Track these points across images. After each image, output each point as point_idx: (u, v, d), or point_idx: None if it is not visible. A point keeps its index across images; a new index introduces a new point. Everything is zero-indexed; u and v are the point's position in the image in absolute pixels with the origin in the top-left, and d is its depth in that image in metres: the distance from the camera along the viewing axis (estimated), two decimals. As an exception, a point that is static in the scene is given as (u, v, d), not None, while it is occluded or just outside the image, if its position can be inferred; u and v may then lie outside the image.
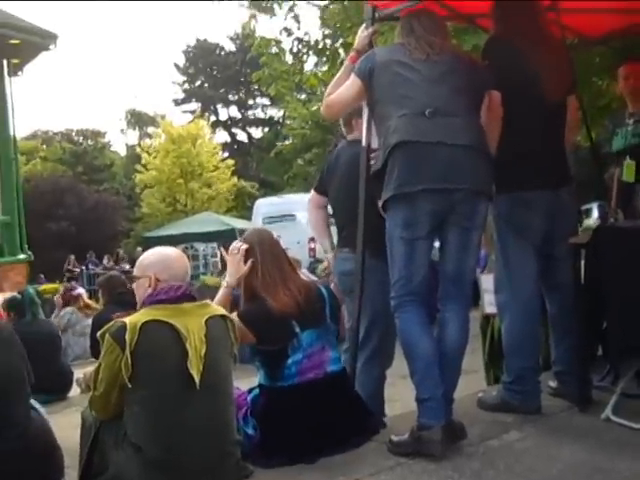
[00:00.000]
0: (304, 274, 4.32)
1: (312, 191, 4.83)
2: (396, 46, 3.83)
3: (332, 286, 4.18)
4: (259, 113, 49.65)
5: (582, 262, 4.01)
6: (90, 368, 3.23)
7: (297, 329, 3.56)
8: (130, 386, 2.98)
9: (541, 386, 4.00)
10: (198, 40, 48.58)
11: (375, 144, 4.15)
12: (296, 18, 10.05)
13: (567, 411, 3.92)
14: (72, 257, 25.12)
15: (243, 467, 3.28)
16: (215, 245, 22.28)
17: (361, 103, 4.10)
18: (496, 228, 4.03)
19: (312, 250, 15.47)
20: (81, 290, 12.39)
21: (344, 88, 3.87)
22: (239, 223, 23.34)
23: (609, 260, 3.69)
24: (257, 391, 3.67)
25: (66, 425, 3.90)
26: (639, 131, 4.83)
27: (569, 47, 5.62)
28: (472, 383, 4.68)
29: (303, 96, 18.00)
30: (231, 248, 3.83)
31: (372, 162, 3.94)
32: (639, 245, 3.57)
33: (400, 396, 5.51)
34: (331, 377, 3.63)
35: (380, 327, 4.24)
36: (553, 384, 4.22)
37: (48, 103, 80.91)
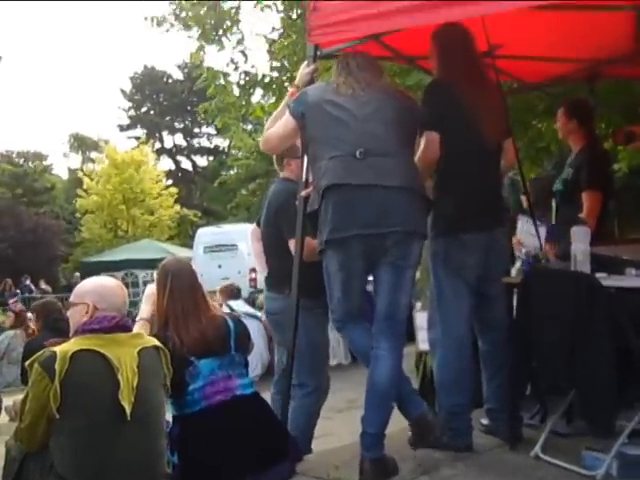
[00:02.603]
0: (223, 308, 4.35)
1: (254, 223, 4.93)
2: (327, 84, 3.92)
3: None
4: (204, 142, 49.60)
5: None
6: (20, 396, 3.16)
7: (192, 358, 3.58)
8: (58, 417, 2.93)
9: (473, 423, 4.04)
10: (145, 67, 48.39)
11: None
12: (243, 52, 10.12)
13: (498, 448, 3.96)
14: (9, 280, 24.60)
15: (172, 500, 3.24)
16: (155, 273, 22.03)
17: (296, 142, 4.21)
18: (432, 266, 4.08)
19: (253, 280, 15.44)
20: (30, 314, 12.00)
21: (281, 124, 3.94)
22: (180, 251, 23.12)
23: (538, 300, 3.76)
24: (171, 422, 3.66)
25: (-7, 454, 3.80)
26: (564, 176, 4.95)
27: (508, 90, 5.78)
28: (405, 419, 4.69)
29: (249, 126, 18.02)
30: (148, 288, 3.96)
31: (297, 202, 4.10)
32: (566, 286, 3.65)
33: (336, 430, 5.53)
34: (241, 399, 3.65)
35: (319, 364, 4.32)
36: (484, 421, 4.26)
37: (-11, 124, 79.51)
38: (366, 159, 3.55)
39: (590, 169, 4.75)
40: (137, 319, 3.82)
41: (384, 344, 3.63)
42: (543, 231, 5.16)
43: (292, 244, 4.22)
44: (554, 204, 5.08)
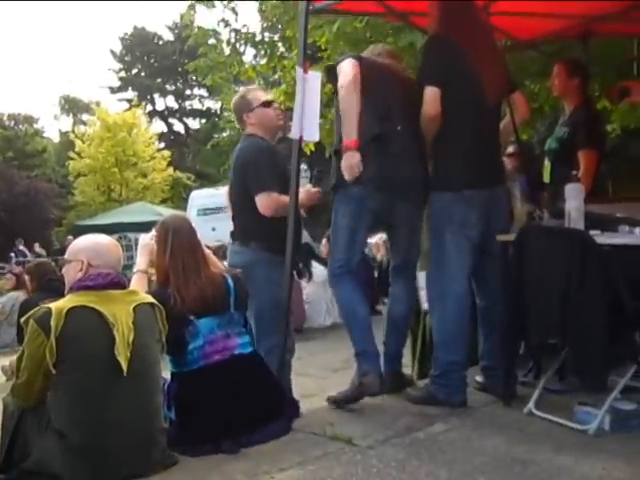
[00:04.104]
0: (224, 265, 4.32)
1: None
2: None
3: None
4: (196, 104, 49.37)
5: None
6: (17, 355, 3.18)
7: (191, 317, 3.58)
8: (54, 372, 2.95)
9: (467, 380, 4.08)
10: (136, 28, 47.96)
11: (309, 136, 4.20)
12: (234, 10, 9.99)
13: (492, 405, 4.01)
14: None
15: (169, 455, 3.27)
16: (154, 230, 22.04)
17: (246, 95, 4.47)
18: (434, 223, 4.08)
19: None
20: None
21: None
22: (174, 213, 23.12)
23: (531, 258, 3.78)
24: (169, 378, 3.68)
25: (-11, 413, 3.82)
26: (559, 135, 4.95)
27: (503, 49, 5.75)
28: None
29: (241, 88, 17.91)
30: (142, 239, 3.95)
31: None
32: (560, 244, 3.66)
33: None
34: (239, 358, 3.66)
35: (266, 320, 4.23)
36: (479, 379, 4.31)
37: (-21, 86, 78.80)
38: None
39: (587, 128, 4.75)
40: (134, 271, 3.81)
41: (401, 283, 4.30)
42: (518, 193, 5.23)
43: (259, 199, 4.21)
44: (547, 163, 5.08)
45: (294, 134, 4.20)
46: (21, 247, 25.45)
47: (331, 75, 4.17)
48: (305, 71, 4.24)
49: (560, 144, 4.91)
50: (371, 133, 3.94)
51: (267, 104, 4.50)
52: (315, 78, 4.30)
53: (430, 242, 4.14)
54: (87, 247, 3.35)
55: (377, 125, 4.00)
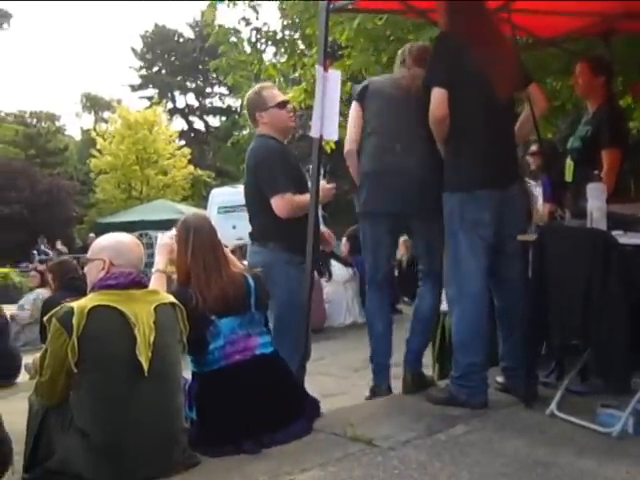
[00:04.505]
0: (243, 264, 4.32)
1: None
2: None
3: None
4: (217, 102, 49.44)
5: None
6: (40, 354, 3.20)
7: (213, 317, 3.58)
8: (76, 371, 2.97)
9: (488, 381, 4.06)
10: (156, 26, 48.13)
11: (329, 135, 4.20)
12: (255, 8, 9.98)
13: (513, 406, 3.98)
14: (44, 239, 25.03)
15: (191, 456, 3.28)
16: (175, 229, 22.12)
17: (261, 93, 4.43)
18: (447, 224, 4.07)
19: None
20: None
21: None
22: (194, 212, 23.16)
23: (553, 258, 3.75)
24: (190, 378, 3.69)
25: (14, 411, 3.85)
26: (582, 134, 4.90)
27: (524, 46, 5.71)
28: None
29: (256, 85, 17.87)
30: (161, 238, 3.95)
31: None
32: (582, 244, 3.63)
33: (352, 388, 5.58)
34: (260, 359, 3.67)
35: (287, 321, 4.23)
36: (500, 379, 4.28)
37: (0, 83, 79.51)
38: None
39: (611, 126, 4.71)
40: (153, 271, 3.81)
41: (428, 285, 4.46)
42: (541, 193, 5.18)
43: (274, 202, 4.21)
44: (569, 162, 5.04)
45: (314, 133, 4.20)
46: (43, 245, 25.60)
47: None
48: (325, 70, 4.24)
49: (583, 143, 4.86)
50: (366, 169, 4.38)
51: (282, 105, 4.49)
52: (335, 77, 4.30)
53: (445, 242, 4.12)
54: (109, 246, 3.37)
55: (370, 162, 4.36)
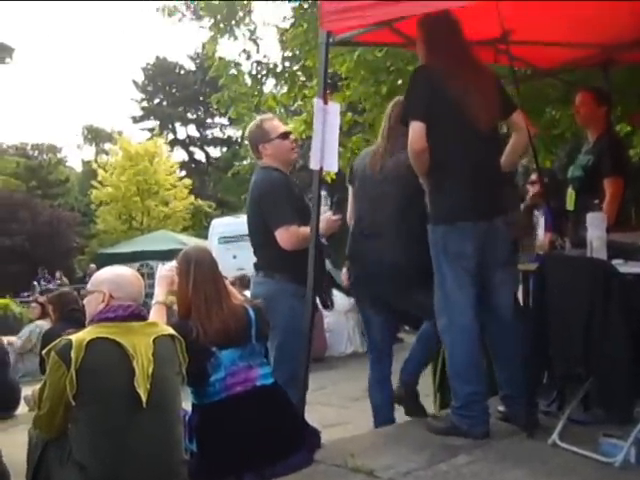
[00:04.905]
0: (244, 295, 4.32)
1: None
2: None
3: None
4: (217, 132, 49.56)
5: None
6: (39, 386, 3.19)
7: (214, 349, 3.58)
8: (74, 404, 2.96)
9: (490, 410, 4.03)
10: (158, 58, 48.38)
11: (329, 166, 4.22)
12: (255, 41, 10.09)
13: (515, 436, 3.95)
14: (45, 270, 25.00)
15: (190, 488, 3.26)
16: (175, 261, 22.12)
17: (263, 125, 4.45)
18: (433, 256, 4.05)
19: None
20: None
21: None
22: (195, 242, 23.18)
23: (554, 287, 3.74)
24: (191, 410, 3.67)
25: (13, 443, 3.85)
26: (583, 163, 4.92)
27: (522, 77, 5.75)
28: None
29: (257, 117, 17.97)
30: (160, 270, 3.93)
31: None
32: (582, 273, 3.63)
33: (352, 418, 5.55)
34: (261, 390, 3.66)
35: (288, 352, 4.23)
36: (501, 408, 4.25)
37: (2, 116, 79.91)
38: None
39: (612, 155, 4.74)
40: (153, 303, 3.80)
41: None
42: (542, 222, 5.17)
43: (278, 234, 4.23)
44: (570, 191, 5.05)
45: (314, 165, 4.21)
46: (43, 278, 25.58)
47: None
48: (325, 102, 4.26)
49: (585, 172, 4.88)
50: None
51: (284, 136, 4.52)
52: (334, 109, 4.33)
53: (434, 274, 4.10)
54: (109, 279, 3.38)
55: (348, 248, 4.56)
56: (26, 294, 22.25)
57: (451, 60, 4.01)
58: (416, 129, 3.89)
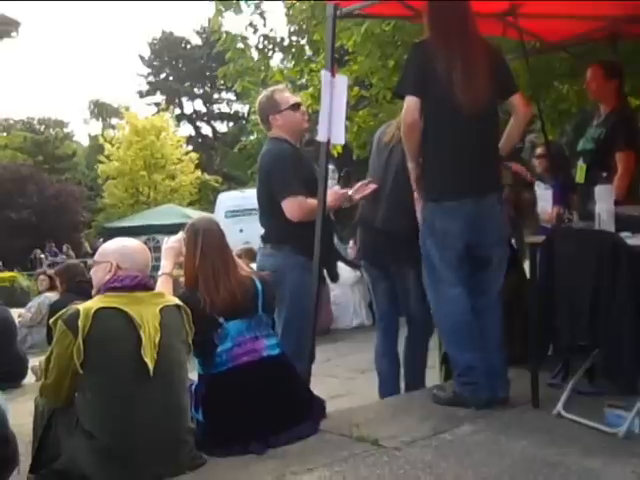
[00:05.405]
0: (252, 268, 4.32)
1: None
2: None
3: None
4: (224, 107, 49.48)
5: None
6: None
7: (221, 319, 3.59)
8: (82, 373, 2.98)
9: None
10: (164, 32, 48.22)
11: (336, 139, 4.21)
12: (262, 15, 10.01)
13: (520, 407, 3.96)
14: (38, 251, 25.03)
15: (197, 456, 3.29)
16: (183, 232, 22.15)
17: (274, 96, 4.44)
18: (421, 234, 4.06)
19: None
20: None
21: None
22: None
23: (561, 260, 3.74)
24: (197, 380, 3.69)
25: (20, 413, 3.87)
26: (594, 136, 4.90)
27: (531, 50, 5.71)
28: (429, 379, 4.74)
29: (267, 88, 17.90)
30: (167, 242, 3.93)
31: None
32: (590, 246, 3.63)
33: (358, 390, 5.58)
34: (267, 360, 3.67)
35: (295, 325, 4.25)
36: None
37: (9, 91, 79.61)
38: None
39: (625, 129, 4.72)
40: (159, 274, 3.81)
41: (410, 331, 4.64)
42: (549, 195, 5.14)
43: (285, 204, 4.22)
44: (581, 164, 5.02)
45: (322, 137, 4.20)
46: (50, 251, 25.68)
47: None
48: (333, 75, 4.25)
49: (596, 145, 4.86)
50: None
51: (296, 107, 4.49)
52: (342, 82, 4.31)
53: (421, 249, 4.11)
54: (116, 250, 3.39)
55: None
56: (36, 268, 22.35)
57: (445, 37, 3.96)
58: (410, 103, 3.87)
